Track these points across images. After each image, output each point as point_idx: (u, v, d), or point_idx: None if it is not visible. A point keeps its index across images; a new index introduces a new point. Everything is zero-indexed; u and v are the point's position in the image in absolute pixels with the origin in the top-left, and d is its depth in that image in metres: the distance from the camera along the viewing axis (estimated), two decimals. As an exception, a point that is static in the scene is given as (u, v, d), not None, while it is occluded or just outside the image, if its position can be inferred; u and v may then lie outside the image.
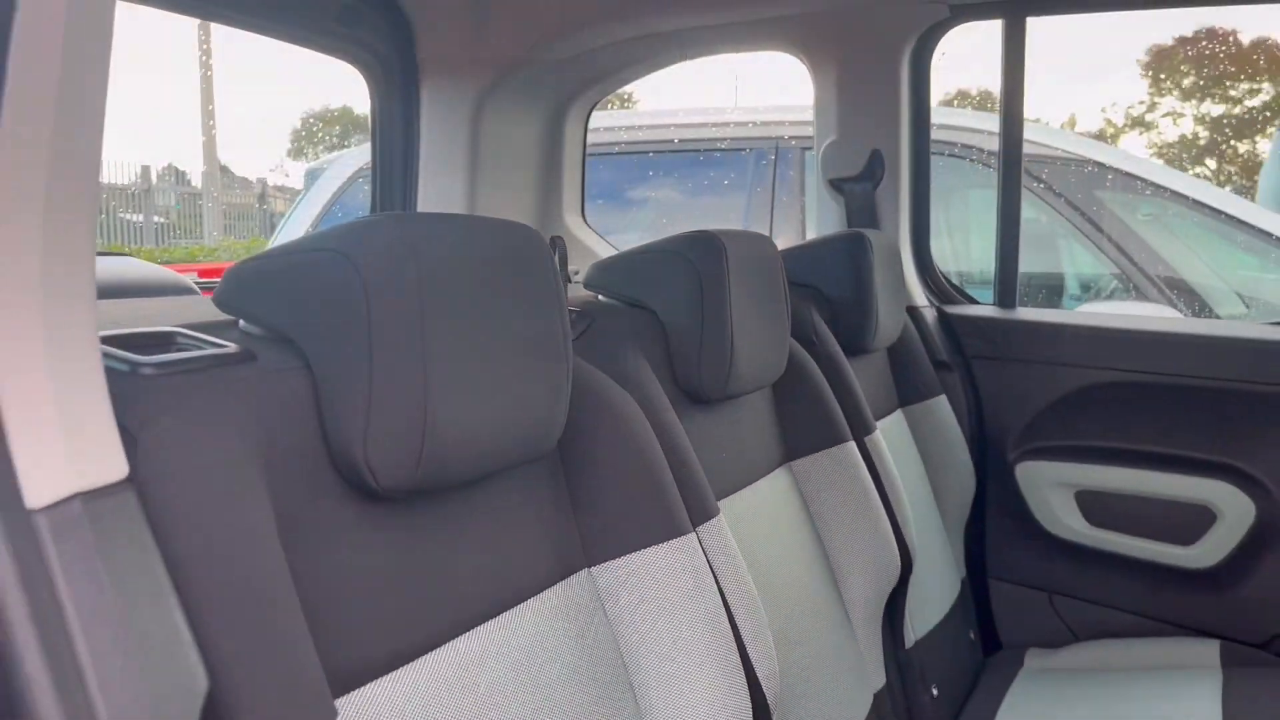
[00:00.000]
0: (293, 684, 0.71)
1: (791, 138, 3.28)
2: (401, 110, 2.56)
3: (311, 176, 4.30)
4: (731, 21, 2.41)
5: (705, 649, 1.13)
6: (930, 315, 2.36)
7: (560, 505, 1.11)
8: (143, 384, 0.75)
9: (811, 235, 2.53)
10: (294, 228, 4.01)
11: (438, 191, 2.58)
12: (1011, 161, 2.33)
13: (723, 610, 1.17)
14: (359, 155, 3.93)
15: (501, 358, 0.91)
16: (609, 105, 3.14)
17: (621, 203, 3.54)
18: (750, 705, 1.16)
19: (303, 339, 0.85)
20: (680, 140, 3.34)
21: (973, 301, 2.48)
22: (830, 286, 1.96)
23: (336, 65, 2.51)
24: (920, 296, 2.39)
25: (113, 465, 0.64)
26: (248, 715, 0.67)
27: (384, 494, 0.85)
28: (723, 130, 3.31)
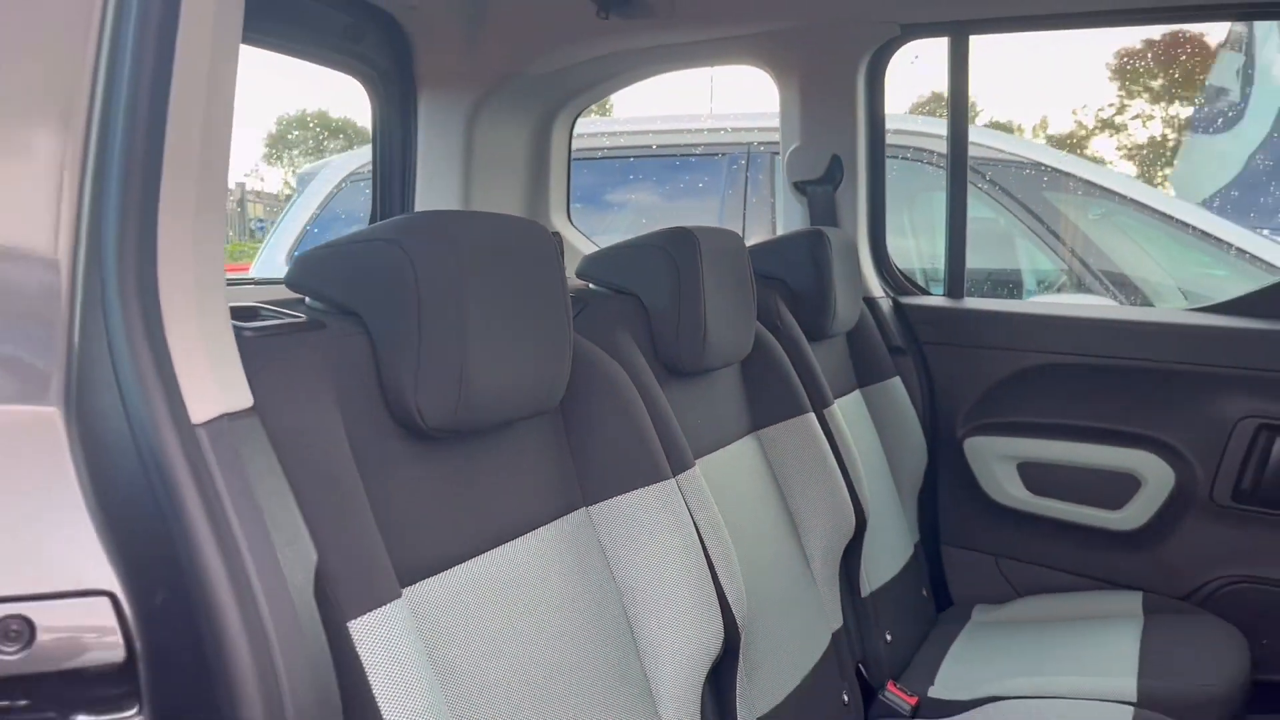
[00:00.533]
0: (370, 567, 0.93)
1: (761, 144, 3.51)
2: (400, 119, 2.77)
3: (304, 180, 4.48)
4: (704, 39, 2.65)
5: (683, 575, 1.36)
6: (886, 305, 2.60)
7: (562, 454, 1.34)
8: (246, 343, 0.97)
9: (781, 233, 2.76)
10: (288, 228, 4.20)
11: (434, 194, 2.80)
12: (958, 164, 2.57)
13: (698, 543, 1.39)
14: (350, 160, 4.13)
15: (519, 327, 1.13)
16: (590, 113, 3.36)
17: (604, 205, 3.76)
18: (722, 623, 1.39)
19: (363, 310, 1.07)
20: (659, 146, 3.57)
21: (925, 292, 2.72)
22: (793, 278, 2.19)
23: (309, 70, 2.70)
24: (877, 288, 2.63)
25: (244, 396, 0.85)
26: (343, 584, 0.89)
27: (429, 433, 1.07)
28: (698, 136, 3.55)
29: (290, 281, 1.13)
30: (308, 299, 1.14)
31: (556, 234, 1.89)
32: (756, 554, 1.70)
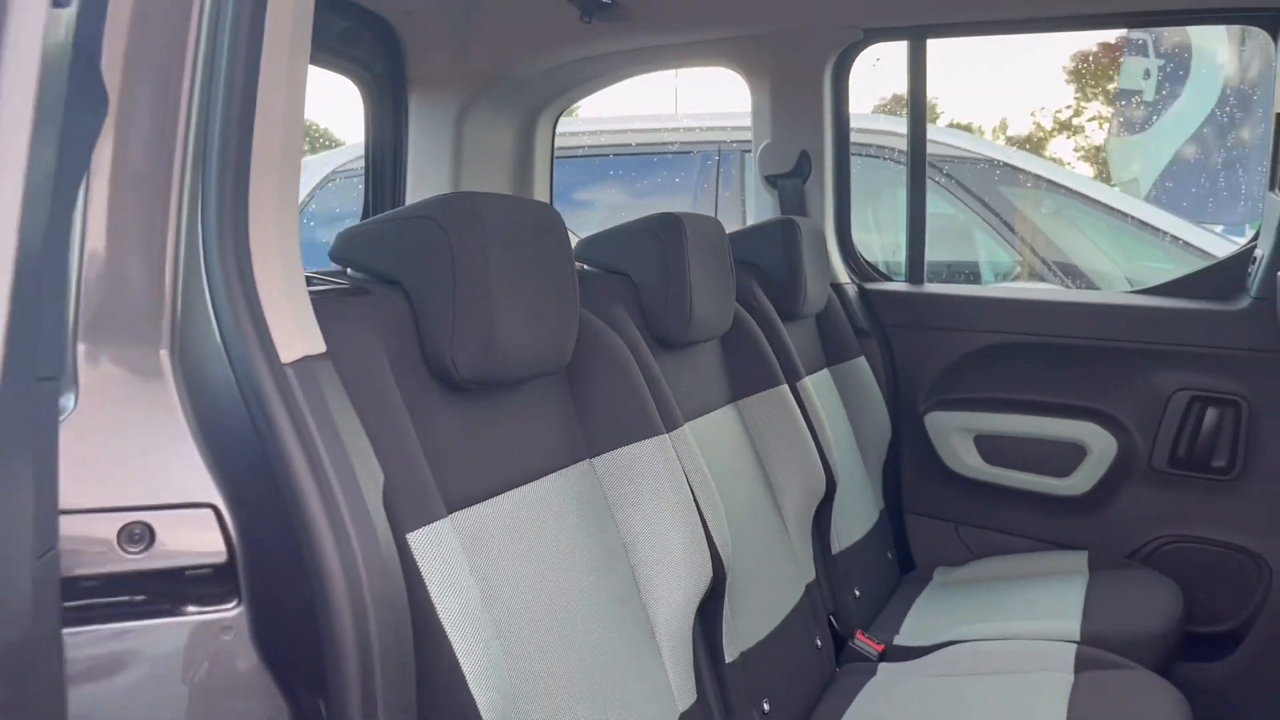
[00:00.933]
0: (423, 490, 1.09)
1: (733, 142, 3.70)
2: (392, 119, 2.92)
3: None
4: (680, 42, 2.83)
5: (676, 519, 1.53)
6: (851, 290, 2.79)
7: (568, 412, 1.50)
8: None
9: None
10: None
11: (424, 190, 2.95)
12: (918, 159, 2.77)
13: (689, 491, 1.57)
14: (333, 158, 4.27)
15: (537, 295, 1.30)
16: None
17: (581, 202, 3.93)
18: (710, 561, 1.56)
19: (404, 278, 1.24)
20: (637, 144, 3.75)
21: (888, 279, 2.91)
22: (767, 263, 2.37)
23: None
24: (843, 274, 2.82)
25: (319, 343, 1.01)
26: (400, 503, 1.05)
27: (461, 384, 1.24)
28: (674, 135, 3.73)
29: (334, 255, 1.29)
30: (349, 270, 1.30)
31: None
32: (737, 510, 1.87)
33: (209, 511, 0.96)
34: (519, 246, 1.28)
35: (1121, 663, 1.89)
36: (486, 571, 1.21)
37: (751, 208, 3.58)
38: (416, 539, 1.06)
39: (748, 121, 2.90)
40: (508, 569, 1.24)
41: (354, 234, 1.29)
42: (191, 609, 0.96)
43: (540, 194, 3.14)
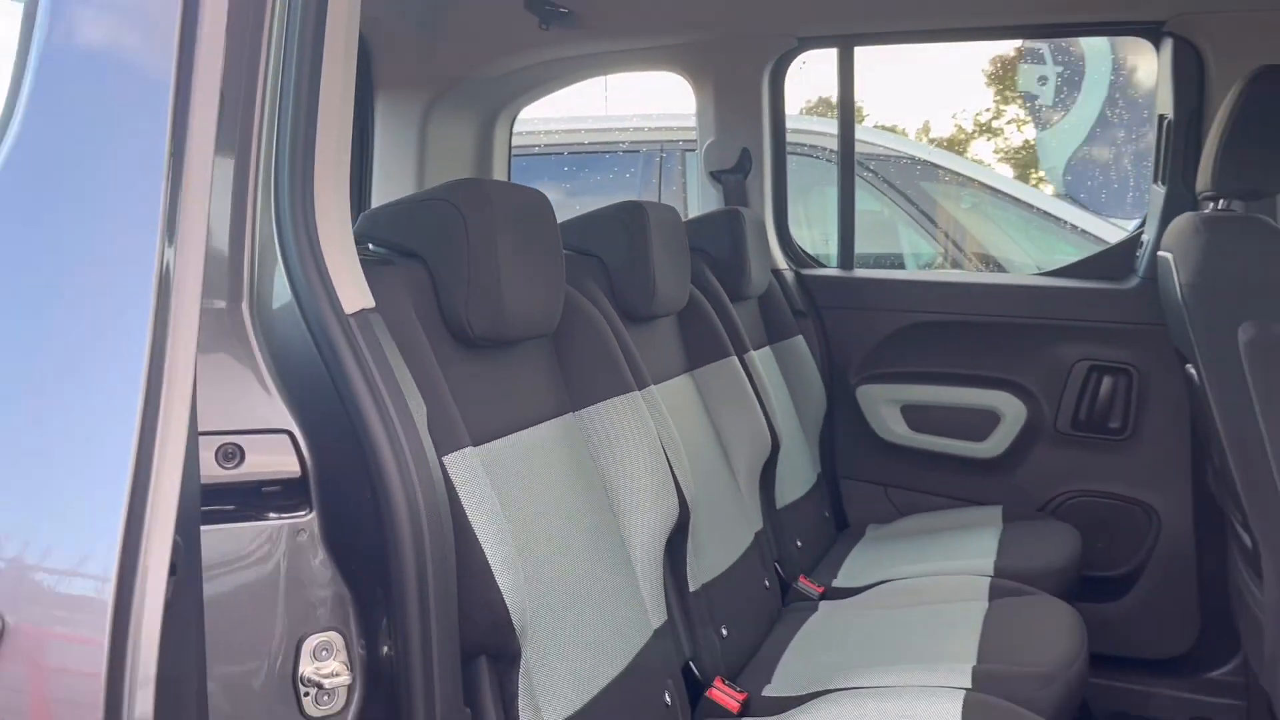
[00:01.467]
0: (452, 422, 1.32)
1: (677, 141, 3.96)
2: (358, 120, 3.11)
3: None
4: (630, 49, 3.08)
5: (647, 463, 1.77)
6: (789, 275, 3.06)
7: (554, 371, 1.74)
8: (348, 272, 1.34)
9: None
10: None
11: (390, 186, 3.16)
12: (846, 157, 3.05)
13: (658, 441, 1.81)
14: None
15: (534, 265, 1.53)
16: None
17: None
18: (677, 502, 1.81)
19: (423, 251, 1.46)
20: (590, 143, 3.98)
21: (822, 265, 3.19)
22: (715, 248, 2.63)
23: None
24: (782, 261, 3.09)
25: (370, 299, 1.23)
26: (438, 432, 1.27)
27: (474, 341, 1.46)
28: (623, 135, 3.98)
29: (358, 232, 1.50)
30: (370, 245, 1.52)
31: None
32: (694, 466, 2.11)
33: (285, 436, 1.17)
34: (520, 225, 1.51)
35: (1029, 590, 2.18)
36: (501, 493, 1.43)
37: (695, 202, 3.84)
38: (450, 461, 1.28)
39: (690, 122, 3.16)
40: (517, 494, 1.47)
41: (377, 215, 1.50)
42: (273, 515, 1.17)
43: (499, 189, 3.36)
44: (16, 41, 0.89)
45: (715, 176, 3.05)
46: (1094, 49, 4.08)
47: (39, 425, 0.84)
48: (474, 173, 3.28)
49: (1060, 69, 4.56)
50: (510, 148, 3.36)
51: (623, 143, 3.98)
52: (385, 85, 3.08)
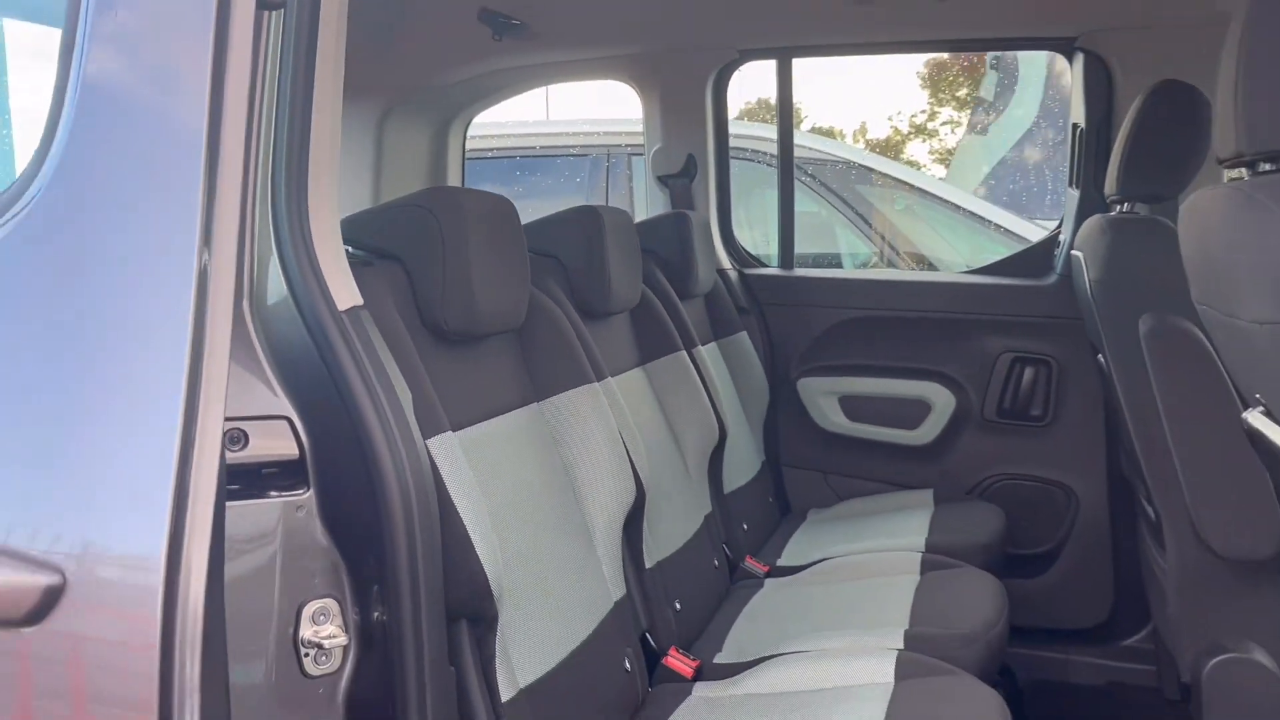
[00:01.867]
0: (433, 408, 1.45)
1: (626, 145, 4.11)
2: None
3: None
4: (580, 59, 3.22)
5: (607, 450, 1.91)
6: (733, 274, 3.22)
7: (519, 363, 1.87)
8: (335, 273, 1.46)
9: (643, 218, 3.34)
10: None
11: (347, 190, 3.26)
12: (786, 161, 3.22)
13: (616, 429, 1.95)
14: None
15: (503, 265, 1.66)
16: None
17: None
18: (634, 485, 1.95)
19: (401, 253, 1.58)
20: (541, 147, 4.12)
21: (764, 265, 3.36)
22: (663, 249, 2.78)
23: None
24: (726, 261, 3.25)
25: (358, 296, 1.36)
26: (422, 417, 1.40)
27: (449, 335, 1.59)
28: (573, 139, 4.12)
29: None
30: (350, 248, 1.64)
31: None
32: (649, 452, 2.26)
33: (284, 422, 1.29)
34: (489, 229, 1.64)
35: (957, 564, 2.37)
36: (477, 474, 1.57)
37: (641, 204, 3.99)
38: (433, 444, 1.41)
39: (635, 128, 3.30)
40: (490, 475, 1.61)
41: (356, 220, 1.62)
42: (274, 493, 1.29)
43: (453, 193, 3.48)
44: (57, 64, 1.00)
45: (662, 181, 3.20)
46: (1028, 58, 4.31)
47: (98, 409, 0.96)
48: (429, 178, 3.40)
49: (1000, 75, 4.80)
50: (464, 153, 3.48)
51: (573, 147, 4.13)
52: (343, 92, 3.17)
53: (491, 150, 4.04)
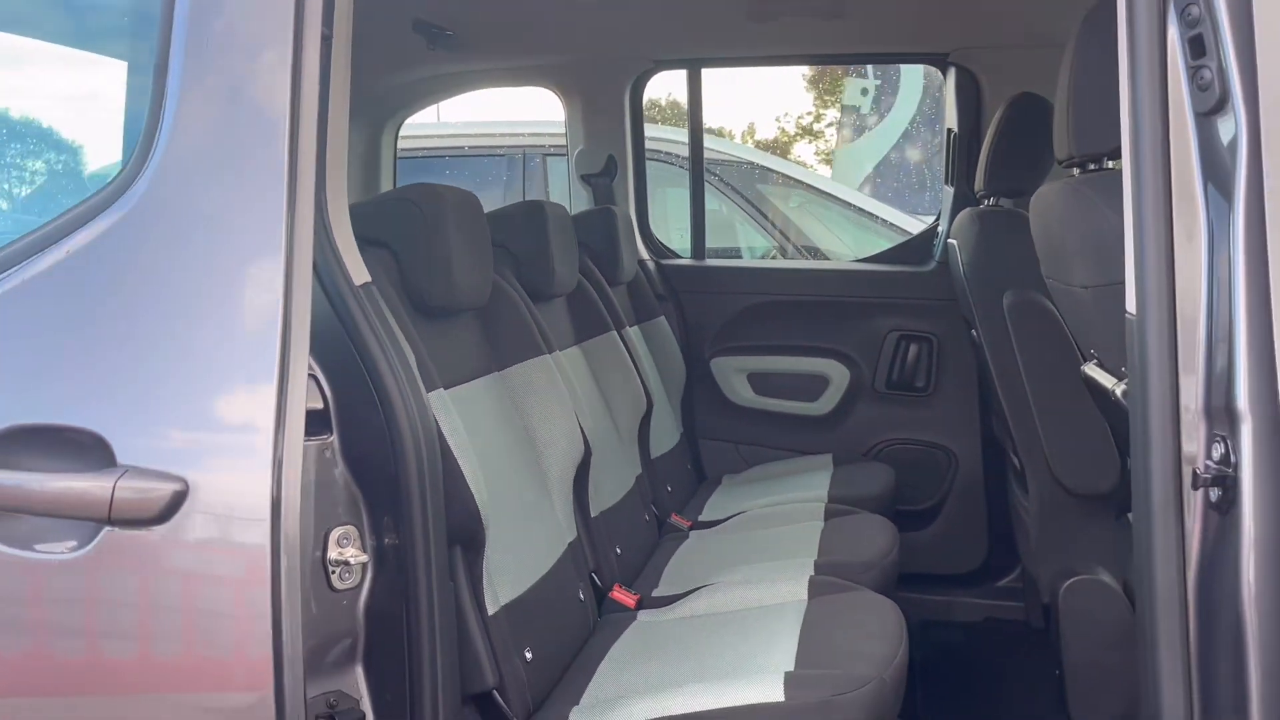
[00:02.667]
0: (428, 368, 1.72)
1: (537, 146, 4.40)
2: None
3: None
4: (507, 66, 3.49)
5: (560, 412, 2.21)
6: (651, 264, 3.54)
7: (484, 336, 2.15)
8: (339, 256, 1.72)
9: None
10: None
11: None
12: (697, 162, 3.56)
13: (567, 391, 2.24)
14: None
15: (474, 249, 1.94)
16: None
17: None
18: (583, 439, 2.25)
19: (390, 240, 1.84)
20: (470, 147, 4.38)
21: (679, 256, 3.69)
22: (592, 241, 3.08)
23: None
24: (644, 252, 3.57)
25: (366, 274, 1.62)
26: (420, 376, 1.67)
27: (432, 311, 1.86)
28: (499, 140, 4.39)
29: (333, 226, 1.87)
30: (343, 237, 1.89)
31: None
32: (586, 422, 2.56)
33: (312, 379, 1.55)
34: (462, 218, 1.92)
35: (855, 511, 2.73)
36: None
37: (556, 200, 4.27)
38: (431, 398, 1.68)
39: (547, 129, 3.59)
40: (468, 431, 1.88)
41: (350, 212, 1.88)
42: (307, 439, 1.54)
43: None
44: (153, 73, 1.25)
45: (586, 180, 3.50)
46: (908, 69, 4.76)
47: (218, 369, 1.22)
48: (363, 175, 3.62)
49: (879, 81, 5.25)
50: (396, 153, 3.71)
51: (501, 148, 4.40)
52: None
53: (421, 150, 4.28)
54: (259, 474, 1.19)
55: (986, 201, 2.79)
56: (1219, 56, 1.15)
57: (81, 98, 2.47)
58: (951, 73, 3.31)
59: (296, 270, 1.24)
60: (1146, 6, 1.21)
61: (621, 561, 2.43)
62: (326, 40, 1.38)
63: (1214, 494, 1.16)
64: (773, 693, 1.60)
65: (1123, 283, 1.28)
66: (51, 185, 3.10)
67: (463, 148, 4.40)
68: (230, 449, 1.20)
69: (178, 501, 1.16)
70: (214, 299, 1.24)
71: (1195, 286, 1.16)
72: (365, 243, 1.85)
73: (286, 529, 1.20)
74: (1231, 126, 1.13)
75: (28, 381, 1.22)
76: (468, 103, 3.88)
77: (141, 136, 1.26)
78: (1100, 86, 1.60)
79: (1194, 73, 1.17)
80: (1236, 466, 1.12)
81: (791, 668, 1.72)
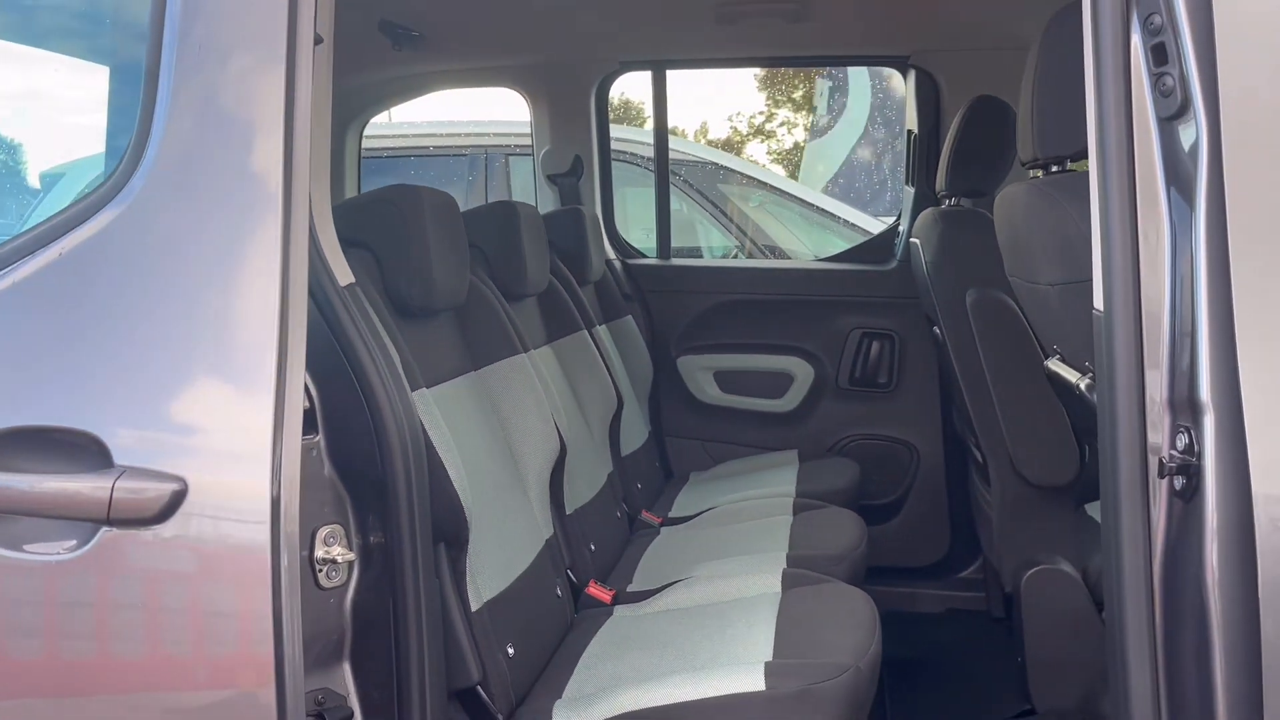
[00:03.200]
0: (411, 368, 1.73)
1: (507, 146, 4.41)
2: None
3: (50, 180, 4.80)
4: (473, 68, 3.50)
5: (536, 411, 2.23)
6: (618, 264, 3.57)
7: (460, 336, 2.16)
8: (320, 257, 1.73)
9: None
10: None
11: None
12: (662, 163, 3.60)
13: (542, 389, 2.27)
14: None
15: (452, 249, 1.96)
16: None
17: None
18: (558, 437, 2.27)
19: (370, 241, 1.86)
20: (435, 147, 4.38)
21: (644, 256, 3.72)
22: (561, 240, 3.10)
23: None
24: (611, 252, 3.60)
25: (350, 275, 1.63)
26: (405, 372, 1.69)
27: (413, 311, 1.88)
28: (465, 140, 4.39)
29: (312, 228, 1.89)
30: (321, 238, 1.90)
31: None
32: (560, 420, 2.59)
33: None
34: (440, 220, 1.94)
35: (823, 505, 2.78)
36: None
37: (538, 199, 4.29)
38: (414, 398, 1.70)
39: (509, 129, 3.61)
40: (450, 429, 1.90)
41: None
42: (292, 437, 1.56)
43: (350, 191, 3.70)
44: (144, 75, 1.26)
45: (552, 180, 3.52)
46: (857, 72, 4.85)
47: (215, 369, 1.23)
48: (331, 177, 3.60)
49: (832, 83, 5.33)
50: (360, 153, 3.71)
51: (467, 148, 4.40)
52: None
53: (387, 150, 4.27)
54: (258, 473, 1.20)
55: (947, 201, 2.86)
56: (1180, 64, 1.20)
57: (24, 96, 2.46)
58: (912, 75, 3.37)
59: (293, 270, 1.26)
60: (1111, 15, 1.26)
61: (596, 558, 2.46)
62: (319, 43, 1.40)
63: (1178, 482, 1.21)
64: (754, 682, 1.64)
65: (1087, 280, 1.33)
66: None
67: (427, 148, 4.40)
68: (229, 448, 1.21)
69: (177, 501, 1.17)
70: (210, 299, 1.25)
71: (1160, 285, 1.21)
72: (346, 244, 1.87)
73: (286, 528, 1.22)
74: (1193, 132, 1.19)
75: (21, 384, 1.23)
76: (429, 103, 3.89)
77: (134, 136, 1.27)
78: (1064, 91, 1.65)
79: (1156, 79, 1.23)
80: (1200, 456, 1.18)
81: (770, 658, 1.77)
